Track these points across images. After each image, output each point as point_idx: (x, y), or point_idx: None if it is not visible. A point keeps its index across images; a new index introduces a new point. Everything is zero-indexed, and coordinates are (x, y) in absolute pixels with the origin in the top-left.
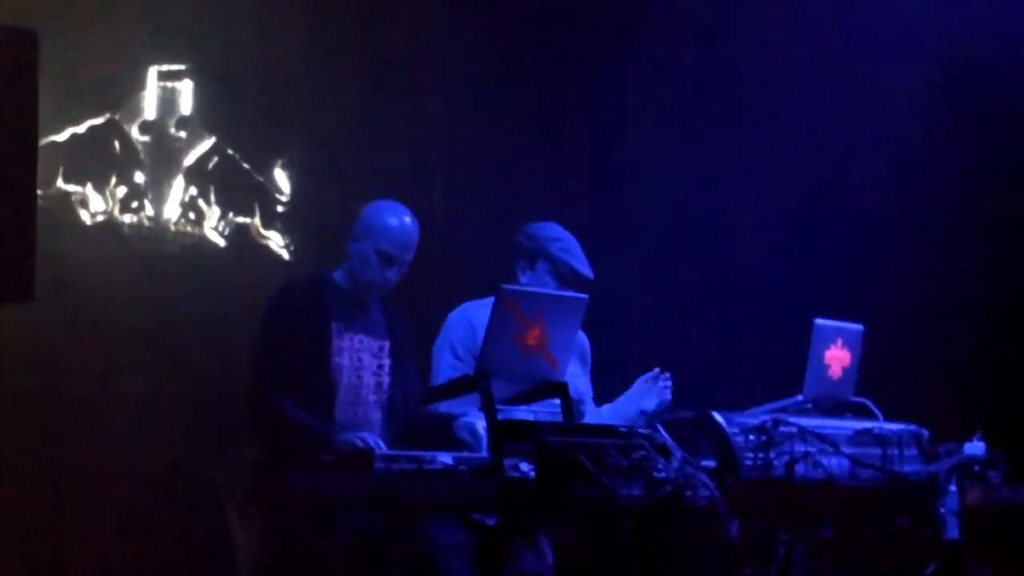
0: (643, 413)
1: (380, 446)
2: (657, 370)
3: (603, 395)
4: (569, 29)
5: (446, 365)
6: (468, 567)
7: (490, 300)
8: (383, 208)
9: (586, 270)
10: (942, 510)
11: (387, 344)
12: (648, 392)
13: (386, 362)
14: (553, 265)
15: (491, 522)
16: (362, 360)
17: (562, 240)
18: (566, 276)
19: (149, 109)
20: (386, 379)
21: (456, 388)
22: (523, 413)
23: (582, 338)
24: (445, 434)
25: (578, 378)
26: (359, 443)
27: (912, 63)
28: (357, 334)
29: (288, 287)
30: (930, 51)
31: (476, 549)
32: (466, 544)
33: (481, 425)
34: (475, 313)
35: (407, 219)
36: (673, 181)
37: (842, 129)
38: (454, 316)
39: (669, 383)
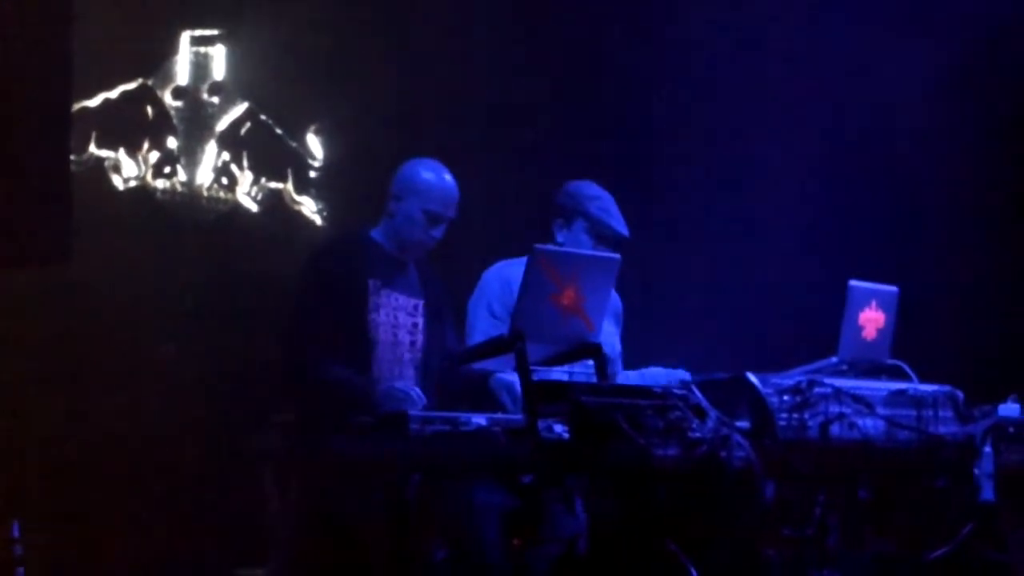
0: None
1: (420, 396)
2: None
3: (634, 356)
4: None
5: (483, 322)
6: (505, 528)
7: (525, 259)
8: (425, 166)
9: (623, 229)
10: (977, 472)
11: (421, 303)
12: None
13: (420, 320)
14: (591, 224)
15: (526, 480)
16: (398, 318)
17: (600, 199)
18: (603, 235)
19: (182, 74)
20: (420, 337)
21: (490, 349)
22: (559, 374)
23: (616, 298)
24: (481, 391)
25: (612, 336)
26: (399, 392)
27: (951, 22)
28: (394, 292)
29: (324, 247)
30: (968, 9)
31: (510, 510)
32: (504, 505)
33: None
34: (511, 271)
35: (448, 176)
36: (708, 142)
37: (878, 89)
38: (490, 274)
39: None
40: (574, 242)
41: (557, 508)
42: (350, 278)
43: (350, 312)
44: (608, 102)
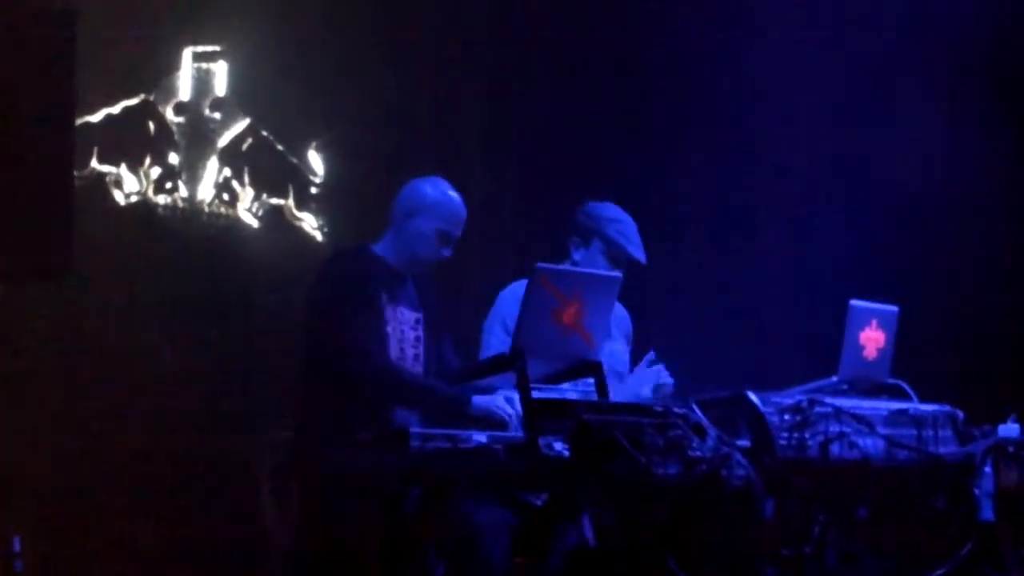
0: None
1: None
2: (652, 354)
3: None
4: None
5: (497, 339)
6: (507, 546)
7: None
8: (435, 185)
9: (640, 255)
10: (977, 491)
11: (421, 316)
12: (644, 377)
13: (421, 334)
14: (608, 246)
15: (537, 501)
16: (403, 332)
17: (620, 222)
18: (619, 259)
19: (184, 90)
20: (422, 351)
21: (492, 366)
22: (565, 391)
23: (626, 317)
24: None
25: (623, 355)
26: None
27: (947, 39)
28: (399, 306)
29: (343, 254)
30: (966, 26)
31: (517, 528)
32: (505, 523)
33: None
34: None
35: (456, 196)
36: (710, 161)
37: (878, 108)
38: (505, 293)
39: (663, 368)
40: (589, 262)
41: (566, 525)
42: (370, 290)
43: (378, 319)
44: (607, 115)
